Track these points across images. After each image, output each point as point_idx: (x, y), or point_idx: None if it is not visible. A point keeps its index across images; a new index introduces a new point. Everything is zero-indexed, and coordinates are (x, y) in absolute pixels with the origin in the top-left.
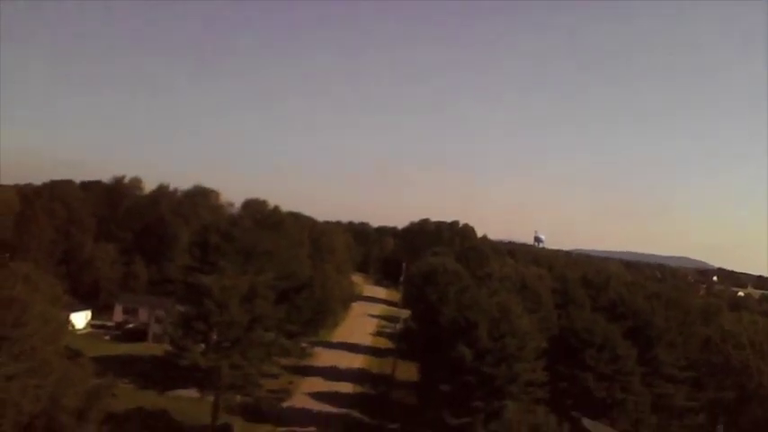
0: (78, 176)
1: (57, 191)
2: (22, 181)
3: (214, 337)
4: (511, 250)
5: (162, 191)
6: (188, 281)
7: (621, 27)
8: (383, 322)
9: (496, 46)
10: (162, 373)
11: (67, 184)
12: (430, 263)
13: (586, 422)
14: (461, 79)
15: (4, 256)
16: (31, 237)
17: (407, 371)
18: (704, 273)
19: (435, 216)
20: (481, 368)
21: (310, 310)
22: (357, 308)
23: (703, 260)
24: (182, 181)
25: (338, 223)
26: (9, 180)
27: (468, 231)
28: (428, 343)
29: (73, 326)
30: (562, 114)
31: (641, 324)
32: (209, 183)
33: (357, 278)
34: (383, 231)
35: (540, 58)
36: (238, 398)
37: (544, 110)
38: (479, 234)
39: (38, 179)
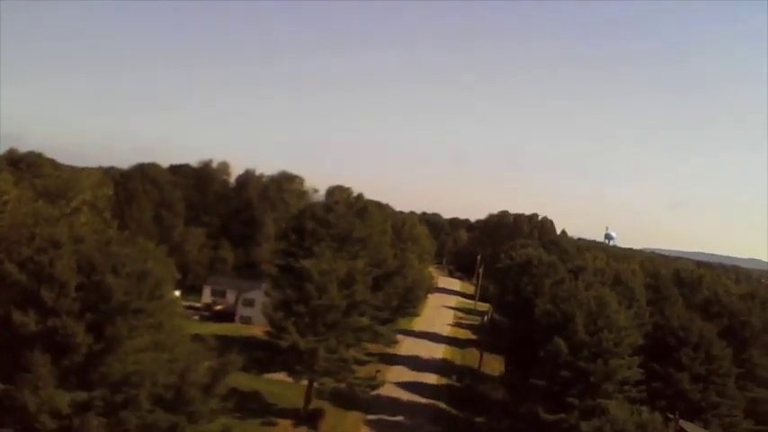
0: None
1: (147, 173)
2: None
3: (306, 320)
4: (583, 246)
5: (248, 176)
6: (285, 264)
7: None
8: (460, 314)
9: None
10: (255, 356)
11: (156, 167)
12: (526, 253)
13: (683, 424)
14: (528, 76)
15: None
16: (130, 218)
17: (490, 364)
18: None
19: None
20: (576, 363)
21: (398, 298)
22: (433, 299)
23: None
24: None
25: (412, 213)
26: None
27: (547, 225)
28: (519, 336)
29: None
30: (634, 113)
31: (737, 324)
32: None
33: (432, 269)
34: (456, 223)
35: (620, 61)
36: (332, 383)
37: (618, 107)
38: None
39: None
